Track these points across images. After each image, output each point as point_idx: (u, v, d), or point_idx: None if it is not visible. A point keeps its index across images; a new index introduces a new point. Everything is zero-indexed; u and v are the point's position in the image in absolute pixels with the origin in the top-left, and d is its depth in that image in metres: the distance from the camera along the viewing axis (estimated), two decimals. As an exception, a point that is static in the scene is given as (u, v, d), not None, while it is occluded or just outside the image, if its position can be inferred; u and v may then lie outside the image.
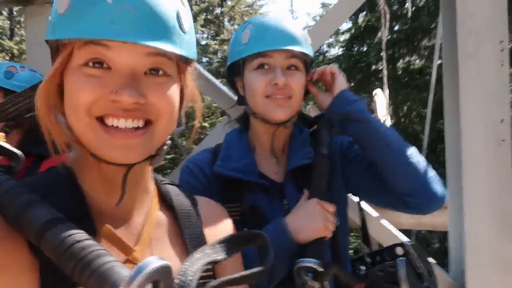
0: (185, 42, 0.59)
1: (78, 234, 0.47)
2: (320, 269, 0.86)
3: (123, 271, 0.43)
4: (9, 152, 0.58)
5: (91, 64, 0.54)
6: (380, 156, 1.04)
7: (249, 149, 1.12)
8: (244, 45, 1.07)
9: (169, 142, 0.63)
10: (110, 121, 0.54)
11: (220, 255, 0.56)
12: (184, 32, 0.58)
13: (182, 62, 0.61)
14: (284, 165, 1.12)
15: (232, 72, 1.14)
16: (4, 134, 0.62)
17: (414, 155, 1.03)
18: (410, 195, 1.02)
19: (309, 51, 1.10)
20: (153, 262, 0.42)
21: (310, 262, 0.87)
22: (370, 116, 1.05)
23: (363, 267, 1.07)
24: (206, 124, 11.66)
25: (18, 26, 11.29)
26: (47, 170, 0.63)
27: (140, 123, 0.55)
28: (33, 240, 0.47)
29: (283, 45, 1.04)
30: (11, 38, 11.24)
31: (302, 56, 1.08)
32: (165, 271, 0.44)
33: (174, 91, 0.59)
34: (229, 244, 0.59)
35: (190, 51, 0.60)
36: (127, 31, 0.52)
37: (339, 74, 1.12)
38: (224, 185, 1.06)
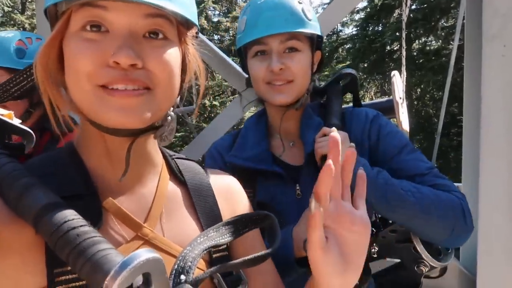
0: (185, 3, 0.56)
1: (74, 220, 0.45)
2: None
3: (118, 259, 0.42)
4: (20, 130, 0.57)
5: (88, 27, 0.52)
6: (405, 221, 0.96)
7: (265, 135, 1.11)
8: (242, 32, 1.06)
9: (172, 114, 0.61)
10: (111, 86, 0.52)
11: (224, 238, 0.56)
12: None
13: (183, 26, 0.59)
14: (301, 148, 1.09)
15: (241, 56, 1.14)
16: (13, 112, 0.61)
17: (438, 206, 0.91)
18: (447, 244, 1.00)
19: (311, 28, 1.03)
20: (140, 256, 0.41)
21: None
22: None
23: (373, 229, 1.05)
24: (216, 103, 11.62)
25: (29, 0, 11.24)
26: (53, 149, 0.62)
27: (140, 88, 0.53)
28: (32, 226, 0.47)
29: (276, 29, 0.99)
30: (22, 12, 11.22)
31: (303, 35, 1.03)
32: (155, 263, 0.42)
33: (173, 55, 0.56)
34: (236, 225, 0.58)
35: (189, 11, 0.57)
36: None
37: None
38: (239, 172, 1.03)
